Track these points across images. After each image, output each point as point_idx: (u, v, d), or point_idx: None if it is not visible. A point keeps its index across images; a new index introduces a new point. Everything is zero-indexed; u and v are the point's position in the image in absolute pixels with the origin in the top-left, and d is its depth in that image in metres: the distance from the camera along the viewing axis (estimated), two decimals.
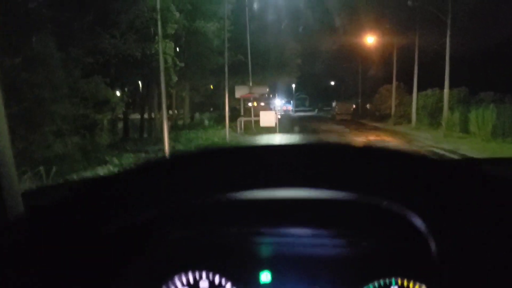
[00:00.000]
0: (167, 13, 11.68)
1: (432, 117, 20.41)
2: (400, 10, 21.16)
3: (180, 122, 20.80)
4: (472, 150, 12.24)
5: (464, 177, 0.56)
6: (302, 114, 46.03)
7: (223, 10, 14.79)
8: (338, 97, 39.81)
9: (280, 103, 48.21)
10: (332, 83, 48.99)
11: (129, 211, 0.60)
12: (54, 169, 6.75)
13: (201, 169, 0.61)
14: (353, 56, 31.43)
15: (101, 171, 7.94)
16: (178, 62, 12.96)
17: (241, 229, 0.77)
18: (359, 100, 35.17)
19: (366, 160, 0.59)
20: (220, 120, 18.41)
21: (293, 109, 53.14)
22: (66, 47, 9.28)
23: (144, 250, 0.67)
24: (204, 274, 0.79)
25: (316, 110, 51.94)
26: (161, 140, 9.84)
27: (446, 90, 18.43)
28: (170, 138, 10.07)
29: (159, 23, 9.25)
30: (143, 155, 9.97)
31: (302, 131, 21.12)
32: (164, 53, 10.74)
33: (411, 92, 23.05)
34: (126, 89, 16.16)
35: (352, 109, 34.42)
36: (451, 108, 18.08)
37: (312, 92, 56.24)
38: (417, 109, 22.11)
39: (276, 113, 14.81)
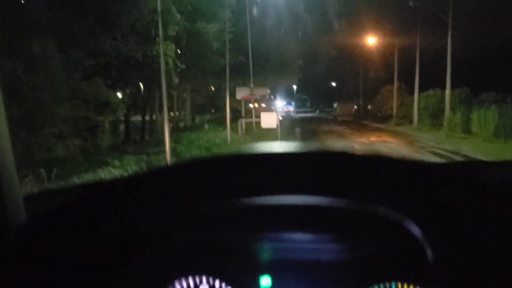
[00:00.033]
0: (168, 15, 11.69)
1: (434, 117, 20.38)
2: (401, 11, 21.14)
3: (181, 124, 20.81)
4: (474, 150, 12.21)
5: (457, 183, 0.58)
6: (303, 115, 46.02)
7: (224, 12, 14.79)
8: (339, 98, 39.77)
9: (281, 104, 48.23)
10: (334, 84, 48.98)
11: (131, 215, 0.61)
12: (55, 171, 6.75)
13: (203, 177, 0.63)
14: (354, 57, 31.41)
15: (102, 173, 7.94)
16: (179, 64, 12.96)
17: (241, 234, 0.77)
18: (361, 101, 35.15)
19: (363, 168, 0.61)
20: (221, 122, 18.42)
21: (294, 110, 53.11)
22: (67, 49, 9.29)
23: (144, 253, 0.68)
24: (204, 279, 0.79)
25: (318, 111, 51.91)
26: (162, 142, 9.83)
27: (447, 91, 18.40)
28: (171, 140, 10.07)
29: (160, 25, 9.24)
30: (144, 157, 9.96)
31: (303, 132, 21.10)
32: (165, 54, 10.74)
33: (412, 93, 23.03)
34: (127, 91, 16.19)
35: (353, 110, 34.39)
36: (452, 109, 18.05)
37: (313, 93, 56.20)
38: (419, 109, 22.08)
39: (277, 114, 14.77)
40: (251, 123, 15.70)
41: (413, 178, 0.59)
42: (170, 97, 17.83)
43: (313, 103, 57.65)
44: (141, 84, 16.45)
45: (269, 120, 13.67)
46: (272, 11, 23.41)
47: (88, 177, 7.81)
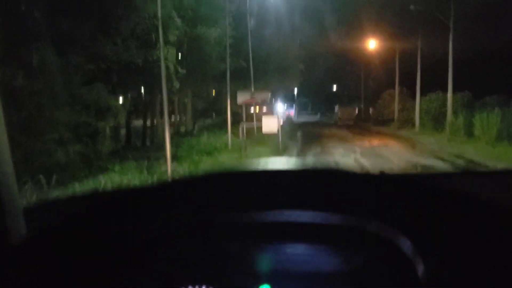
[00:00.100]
0: (168, 19, 11.68)
1: (436, 121, 20.32)
2: (402, 14, 21.14)
3: (182, 129, 20.80)
4: (477, 154, 12.16)
5: (446, 197, 0.61)
6: (304, 119, 46.06)
7: (224, 16, 14.79)
8: (340, 101, 39.79)
9: (282, 108, 48.20)
10: (335, 88, 49.01)
11: (132, 226, 0.64)
12: (54, 178, 6.70)
13: (206, 191, 0.68)
14: (355, 61, 31.44)
15: (103, 179, 7.90)
16: (180, 69, 12.94)
17: (242, 245, 0.78)
18: (362, 105, 35.14)
19: (356, 185, 0.66)
20: (222, 126, 18.39)
21: (295, 114, 53.14)
22: (67, 53, 9.27)
23: (144, 262, 0.69)
24: None
25: (319, 115, 51.94)
26: (163, 146, 9.81)
27: (449, 94, 18.38)
28: (172, 145, 10.03)
29: (160, 29, 9.23)
30: (145, 162, 9.92)
31: (304, 136, 21.07)
32: (166, 59, 10.72)
33: (414, 97, 23.02)
34: (128, 95, 16.18)
35: (355, 113, 34.37)
36: (455, 112, 18.00)
37: (315, 97, 56.28)
38: (421, 113, 22.05)
39: (279, 118, 14.72)
40: (252, 127, 15.67)
41: (405, 194, 0.63)
42: (171, 102, 17.81)
43: (314, 106, 57.69)
44: (142, 88, 16.45)
45: (270, 125, 13.62)
46: (273, 15, 23.45)
47: (89, 183, 7.77)
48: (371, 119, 31.14)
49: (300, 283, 0.76)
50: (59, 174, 7.19)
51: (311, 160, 12.41)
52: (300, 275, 0.76)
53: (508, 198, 1.16)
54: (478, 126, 15.55)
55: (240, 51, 18.02)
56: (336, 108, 36.83)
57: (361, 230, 0.64)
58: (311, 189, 0.65)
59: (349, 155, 12.90)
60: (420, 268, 0.55)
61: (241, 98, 15.28)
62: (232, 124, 15.73)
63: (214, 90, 23.77)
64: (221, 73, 16.62)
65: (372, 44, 26.46)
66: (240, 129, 14.68)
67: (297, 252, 0.77)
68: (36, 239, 0.64)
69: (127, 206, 0.67)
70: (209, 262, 0.79)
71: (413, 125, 22.80)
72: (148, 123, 16.78)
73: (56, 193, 6.35)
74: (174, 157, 10.27)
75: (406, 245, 0.57)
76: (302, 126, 30.99)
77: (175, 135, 16.15)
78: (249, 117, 16.68)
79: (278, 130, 13.41)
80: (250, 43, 16.51)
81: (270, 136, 14.61)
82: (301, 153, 14.09)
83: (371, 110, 32.55)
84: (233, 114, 17.86)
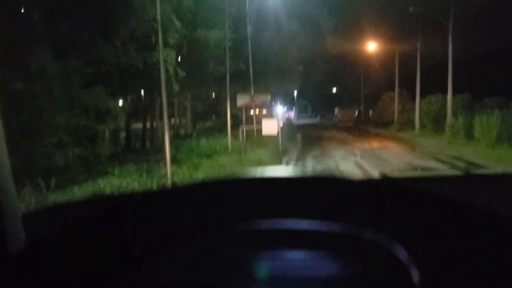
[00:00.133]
0: (168, 22, 11.67)
1: (436, 123, 20.31)
2: (401, 16, 21.15)
3: (182, 131, 20.77)
4: (477, 156, 12.13)
5: (442, 205, 0.62)
6: (304, 121, 46.04)
7: (224, 19, 14.78)
8: (340, 104, 39.79)
9: (282, 111, 48.16)
10: (334, 90, 49.01)
11: (132, 231, 0.64)
12: (54, 181, 6.67)
13: (205, 198, 0.68)
14: (355, 63, 31.45)
15: (102, 182, 7.86)
16: (179, 72, 12.92)
17: (239, 250, 0.78)
18: (362, 107, 35.12)
19: (356, 193, 0.66)
20: (222, 128, 18.36)
21: (295, 116, 53.12)
22: (66, 57, 9.26)
23: (142, 266, 0.69)
24: None
25: (319, 117, 51.96)
26: (162, 149, 9.78)
27: (449, 96, 18.37)
28: (171, 147, 10.00)
29: (160, 32, 9.22)
30: (145, 165, 9.89)
31: (304, 138, 21.06)
32: (165, 62, 10.70)
33: (413, 99, 23.02)
34: (128, 98, 16.17)
35: (354, 116, 34.38)
36: (455, 114, 17.99)
37: (314, 99, 56.32)
38: (421, 115, 22.03)
39: (278, 120, 14.69)
40: (252, 129, 15.65)
41: (401, 202, 0.63)
42: (170, 105, 17.79)
43: (314, 109, 57.72)
44: (142, 91, 16.43)
45: (270, 127, 13.59)
46: (273, 18, 23.46)
47: (88, 186, 7.74)
48: (371, 121, 31.12)
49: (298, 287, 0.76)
50: (58, 177, 7.16)
51: (311, 163, 12.38)
52: (298, 280, 0.76)
53: (506, 202, 1.14)
54: (478, 128, 15.53)
55: (239, 53, 18.02)
56: (336, 110, 36.83)
57: (359, 237, 0.65)
58: (309, 197, 0.65)
59: (349, 157, 12.88)
60: (416, 276, 0.55)
61: (241, 100, 15.25)
62: (232, 126, 15.69)
63: (213, 93, 23.76)
64: (220, 75, 16.60)
65: (371, 46, 26.47)
66: (240, 131, 14.66)
67: (295, 258, 0.77)
68: (37, 244, 0.64)
69: (127, 212, 0.67)
70: (207, 268, 0.78)
71: (413, 127, 22.79)
72: (148, 125, 16.75)
73: (55, 196, 6.33)
74: (174, 160, 10.24)
75: (401, 252, 0.58)
76: (302, 128, 30.98)
77: (174, 138, 16.12)
78: (249, 119, 16.66)
79: (278, 133, 13.37)
80: (249, 46, 16.50)
81: (270, 138, 14.59)
82: (301, 155, 14.07)
83: (370, 112, 32.53)
84: (233, 116, 17.83)
